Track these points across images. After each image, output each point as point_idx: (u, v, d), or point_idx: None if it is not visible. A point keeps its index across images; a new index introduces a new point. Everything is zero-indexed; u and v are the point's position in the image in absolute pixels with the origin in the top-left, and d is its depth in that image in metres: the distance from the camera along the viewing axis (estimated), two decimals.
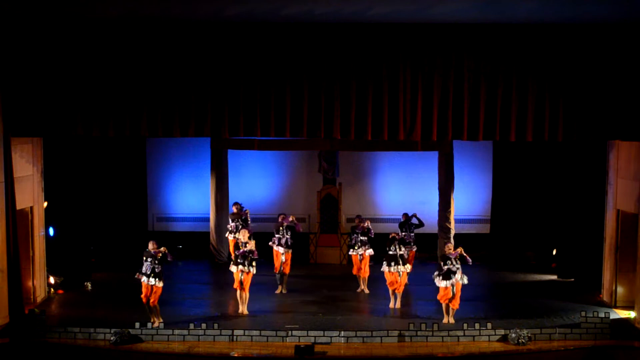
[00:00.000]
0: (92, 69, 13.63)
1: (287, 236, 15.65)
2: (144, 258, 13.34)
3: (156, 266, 13.26)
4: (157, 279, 13.27)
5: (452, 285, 13.57)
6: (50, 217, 16.04)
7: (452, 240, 18.56)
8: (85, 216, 18.26)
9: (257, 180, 19.37)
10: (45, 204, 15.59)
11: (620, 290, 14.94)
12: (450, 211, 18.37)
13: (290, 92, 13.79)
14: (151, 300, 13.31)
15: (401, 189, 19.31)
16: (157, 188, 19.54)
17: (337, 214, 18.26)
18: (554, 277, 17.23)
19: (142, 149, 19.25)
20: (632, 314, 14.15)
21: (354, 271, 15.84)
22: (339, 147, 17.79)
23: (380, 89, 13.78)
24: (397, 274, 14.47)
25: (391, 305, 14.68)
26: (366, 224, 15.70)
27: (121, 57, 13.65)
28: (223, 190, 18.59)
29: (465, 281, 13.67)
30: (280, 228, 15.73)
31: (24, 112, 13.68)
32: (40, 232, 15.31)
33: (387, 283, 14.63)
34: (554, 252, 18.08)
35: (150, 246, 13.41)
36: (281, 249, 15.59)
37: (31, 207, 14.97)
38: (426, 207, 18.91)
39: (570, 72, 13.63)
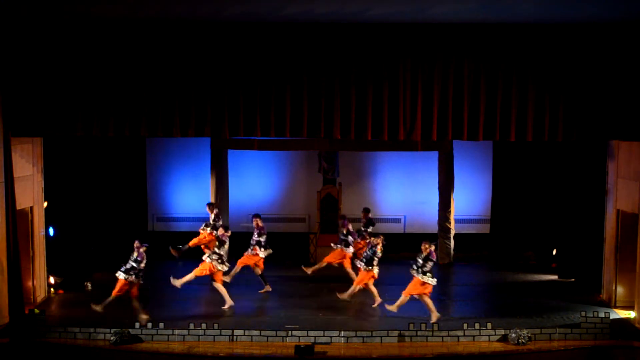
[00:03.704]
0: (92, 69, 13.63)
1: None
2: None
3: None
4: None
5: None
6: (50, 217, 16.02)
7: (452, 240, 18.59)
8: (85, 216, 18.25)
9: (257, 180, 19.35)
10: (45, 204, 15.58)
11: (620, 290, 14.93)
12: (450, 211, 18.39)
13: (290, 92, 13.78)
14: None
15: (401, 189, 19.29)
16: (157, 188, 19.53)
17: (337, 214, 18.24)
18: (554, 277, 17.23)
19: (142, 149, 19.24)
20: (632, 314, 14.15)
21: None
22: (339, 147, 17.77)
23: (380, 89, 13.77)
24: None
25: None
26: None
27: (121, 57, 13.65)
28: (223, 190, 18.57)
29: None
30: None
31: (24, 112, 13.68)
32: (40, 232, 15.30)
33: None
34: (554, 252, 18.06)
35: None
36: None
37: (31, 207, 14.96)
38: (426, 207, 18.95)
39: (570, 72, 13.62)
